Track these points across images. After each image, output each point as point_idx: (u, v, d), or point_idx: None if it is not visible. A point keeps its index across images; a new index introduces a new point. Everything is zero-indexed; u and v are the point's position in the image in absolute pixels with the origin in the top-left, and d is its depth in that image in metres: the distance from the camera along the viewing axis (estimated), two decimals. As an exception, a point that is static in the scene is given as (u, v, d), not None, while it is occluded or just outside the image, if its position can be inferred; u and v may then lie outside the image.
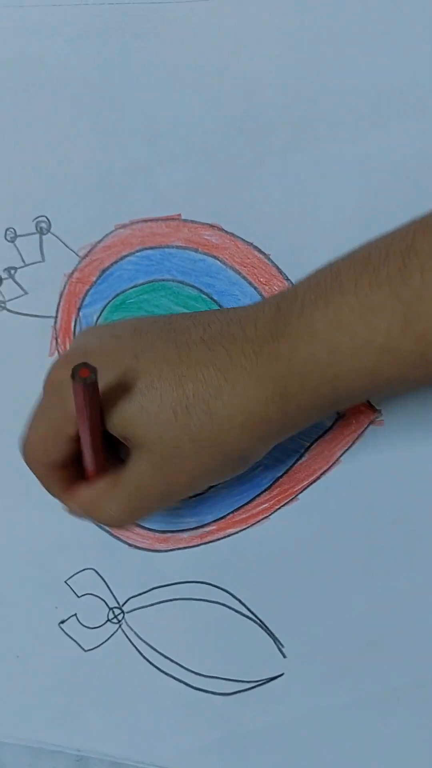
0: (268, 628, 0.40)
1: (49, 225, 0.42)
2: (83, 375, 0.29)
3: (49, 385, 0.34)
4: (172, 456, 0.33)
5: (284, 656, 0.40)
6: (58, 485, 0.36)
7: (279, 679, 0.40)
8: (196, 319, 0.34)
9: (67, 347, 0.43)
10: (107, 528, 0.42)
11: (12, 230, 0.43)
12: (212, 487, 0.41)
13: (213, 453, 0.33)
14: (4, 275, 0.43)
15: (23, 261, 0.43)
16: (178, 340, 0.33)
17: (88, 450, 0.34)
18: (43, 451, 0.35)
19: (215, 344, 0.32)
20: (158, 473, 0.33)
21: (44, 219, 0.42)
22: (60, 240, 0.42)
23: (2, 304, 0.44)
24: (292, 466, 0.40)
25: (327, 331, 0.30)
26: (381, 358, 0.29)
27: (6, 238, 0.43)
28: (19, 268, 0.43)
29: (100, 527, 0.42)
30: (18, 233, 0.43)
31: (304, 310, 0.31)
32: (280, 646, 0.40)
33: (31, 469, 0.36)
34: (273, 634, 0.40)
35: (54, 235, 0.42)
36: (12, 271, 0.43)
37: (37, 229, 0.43)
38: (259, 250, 0.40)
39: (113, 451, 0.37)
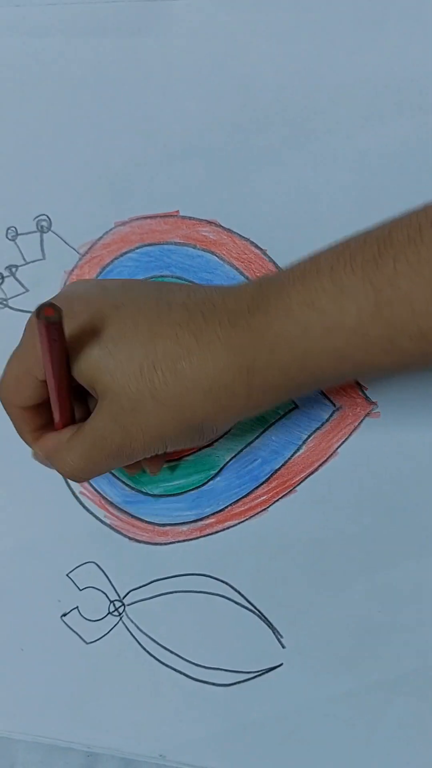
0: (267, 619, 0.41)
1: (50, 223, 0.43)
2: (47, 314, 0.29)
3: (28, 326, 0.35)
4: (132, 409, 0.33)
5: (283, 647, 0.40)
6: (27, 429, 0.37)
7: (278, 669, 0.40)
8: (184, 286, 0.35)
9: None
10: (107, 521, 0.43)
11: (13, 229, 0.43)
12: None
13: (173, 414, 0.33)
14: (6, 273, 0.44)
15: (24, 259, 0.44)
16: (161, 299, 0.34)
17: (54, 394, 0.34)
18: (15, 391, 0.36)
19: (194, 309, 0.33)
20: (117, 425, 0.33)
21: (45, 217, 0.43)
22: (60, 238, 0.43)
23: (4, 302, 0.44)
24: (289, 459, 0.40)
25: (300, 309, 0.31)
26: (350, 339, 0.30)
27: (7, 237, 0.44)
28: (21, 266, 0.44)
29: (102, 522, 0.43)
30: (19, 232, 0.43)
31: (282, 290, 0.31)
32: (279, 637, 0.40)
33: (5, 409, 0.37)
34: (272, 625, 0.40)
35: (54, 233, 0.43)
36: (13, 269, 0.44)
37: (37, 228, 0.43)
38: (256, 246, 0.40)
39: (84, 405, 0.37)
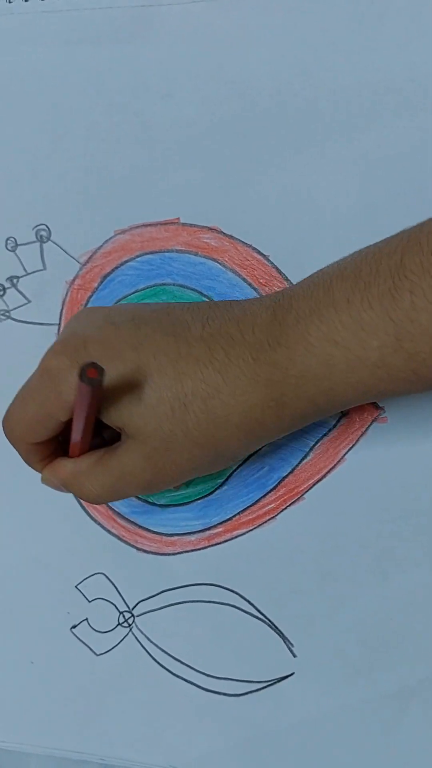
0: (277, 628, 0.40)
1: (49, 233, 0.43)
2: (91, 375, 0.29)
3: (44, 369, 0.34)
4: (164, 449, 0.33)
5: (294, 656, 0.40)
6: (38, 458, 0.37)
7: (290, 678, 0.40)
8: (195, 313, 0.35)
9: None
10: (115, 532, 0.43)
11: (12, 239, 0.43)
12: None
13: (205, 450, 0.33)
14: (7, 284, 0.44)
15: (25, 270, 0.43)
16: (177, 334, 0.33)
17: (79, 435, 0.34)
18: (29, 431, 0.35)
19: (214, 344, 0.33)
20: (148, 463, 0.34)
21: (44, 227, 0.43)
22: (60, 248, 0.43)
23: (6, 313, 0.44)
24: (297, 466, 0.40)
25: (321, 345, 0.31)
26: (374, 372, 0.30)
27: (7, 248, 0.43)
28: (21, 276, 0.43)
29: (109, 532, 0.43)
30: (18, 242, 0.43)
31: (299, 323, 0.31)
32: (290, 646, 0.40)
33: (12, 444, 0.37)
34: (283, 634, 0.40)
35: (54, 243, 0.43)
36: (14, 280, 0.44)
37: (37, 238, 0.43)
38: (259, 252, 0.40)
39: (97, 430, 0.37)
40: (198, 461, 0.34)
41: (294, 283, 0.39)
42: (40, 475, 0.43)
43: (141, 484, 0.35)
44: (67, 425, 0.35)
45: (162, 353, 0.33)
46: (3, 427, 0.36)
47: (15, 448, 0.37)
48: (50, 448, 0.37)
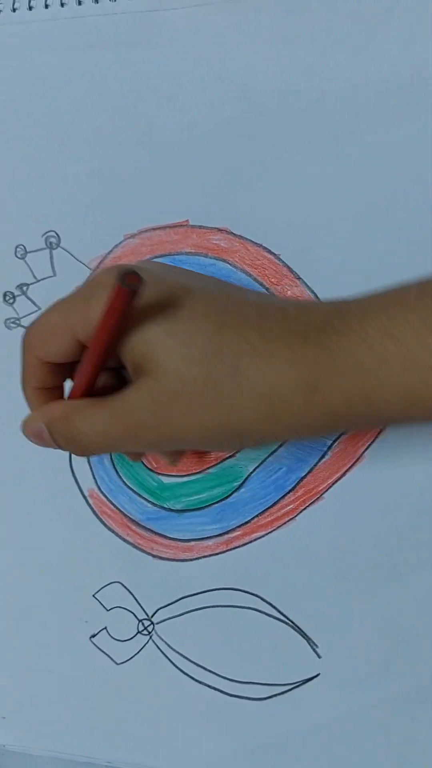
0: (301, 630, 0.40)
1: (59, 239, 0.43)
2: (130, 280, 0.28)
3: (88, 282, 0.33)
4: (176, 392, 0.31)
5: (319, 656, 0.39)
6: (35, 383, 0.35)
7: (315, 679, 0.39)
8: (253, 290, 0.34)
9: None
10: (131, 540, 0.42)
11: (22, 247, 0.43)
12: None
13: (219, 409, 0.31)
14: (17, 292, 0.44)
15: (35, 277, 0.43)
16: (232, 294, 0.32)
17: (90, 362, 0.32)
18: (44, 340, 0.33)
19: (267, 311, 0.32)
20: (153, 404, 0.31)
21: (53, 234, 0.43)
22: (70, 254, 0.42)
23: (17, 321, 0.44)
24: (315, 465, 0.39)
25: (378, 337, 0.29)
26: (426, 378, 0.29)
27: (17, 255, 0.43)
28: (32, 284, 0.43)
29: (124, 540, 0.42)
30: (28, 250, 0.43)
31: (362, 314, 0.30)
32: (314, 647, 0.39)
33: (22, 354, 0.35)
34: (306, 635, 0.40)
35: (64, 249, 0.43)
36: (24, 288, 0.43)
37: (46, 245, 0.43)
38: (269, 251, 0.40)
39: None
40: (208, 421, 0.31)
41: (304, 280, 0.39)
42: (51, 487, 0.42)
43: (141, 432, 0.32)
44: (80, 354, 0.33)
45: (212, 302, 0.31)
46: (24, 333, 0.34)
47: (22, 359, 0.35)
48: (51, 380, 0.35)
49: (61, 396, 0.36)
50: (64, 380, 0.36)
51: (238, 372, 0.30)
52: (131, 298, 0.29)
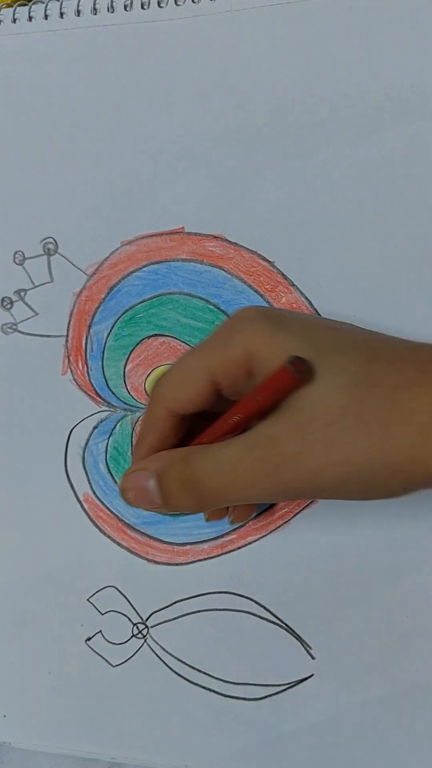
0: (294, 632, 0.40)
1: (56, 246, 0.43)
2: (298, 368, 0.27)
3: (227, 321, 0.31)
4: (326, 423, 0.28)
5: (313, 658, 0.40)
6: (153, 441, 0.33)
7: (309, 680, 0.40)
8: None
9: (79, 366, 0.43)
10: (125, 544, 0.42)
11: (20, 253, 0.44)
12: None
13: (371, 445, 0.27)
14: (15, 297, 0.44)
15: (32, 282, 0.44)
16: (375, 335, 0.31)
17: (236, 420, 0.30)
18: (177, 386, 0.31)
19: (419, 349, 0.30)
20: (301, 435, 0.28)
21: (51, 240, 0.43)
22: (67, 260, 0.43)
23: (14, 326, 0.44)
24: (308, 469, 0.40)
25: None
26: None
27: (15, 261, 0.44)
28: (29, 289, 0.44)
29: (119, 545, 0.43)
30: (26, 256, 0.44)
31: None
32: (308, 648, 0.40)
33: (150, 405, 0.33)
34: (300, 638, 0.40)
35: (61, 255, 0.43)
36: (22, 293, 0.44)
37: (44, 251, 0.43)
38: (264, 258, 0.40)
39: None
40: (357, 456, 0.27)
41: (299, 287, 0.40)
42: (46, 492, 0.42)
43: (280, 468, 0.28)
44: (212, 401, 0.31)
45: (359, 338, 0.30)
46: (156, 385, 0.33)
47: (149, 411, 0.33)
48: (170, 439, 0.33)
49: None
50: (183, 438, 0.33)
51: (394, 401, 0.27)
52: (296, 386, 0.28)
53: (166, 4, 0.41)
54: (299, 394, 0.28)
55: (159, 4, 0.41)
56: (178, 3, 0.41)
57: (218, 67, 0.40)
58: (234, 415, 0.30)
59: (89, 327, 0.43)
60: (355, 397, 0.27)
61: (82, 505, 0.43)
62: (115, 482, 0.43)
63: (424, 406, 0.27)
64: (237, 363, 0.30)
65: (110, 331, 0.43)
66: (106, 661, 0.43)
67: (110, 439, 0.43)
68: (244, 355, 0.29)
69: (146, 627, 0.42)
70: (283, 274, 0.40)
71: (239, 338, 0.30)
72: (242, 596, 0.41)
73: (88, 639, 0.43)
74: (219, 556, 0.41)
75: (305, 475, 0.28)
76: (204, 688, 0.41)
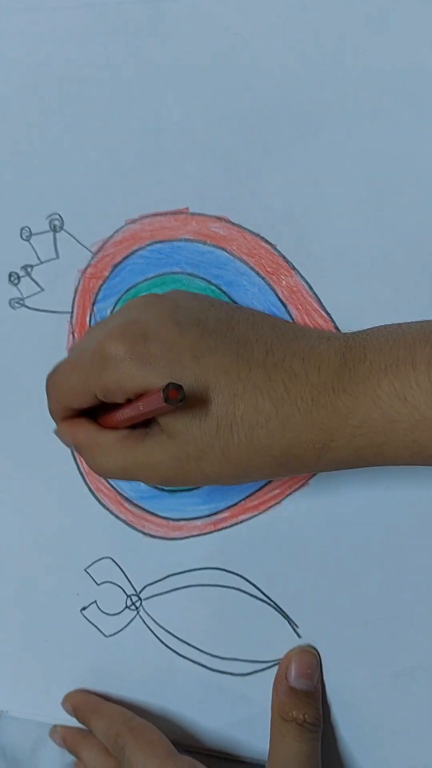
0: (282, 610, 0.41)
1: (62, 222, 0.44)
2: (173, 397, 0.30)
3: (98, 349, 0.34)
4: (196, 457, 0.33)
5: (299, 636, 0.41)
6: (63, 415, 0.38)
7: (293, 658, 0.41)
8: (260, 335, 0.35)
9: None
10: (123, 517, 0.43)
11: (27, 229, 0.44)
12: None
13: (236, 469, 0.33)
14: (22, 273, 0.45)
15: (39, 258, 0.44)
16: (239, 354, 0.34)
17: (124, 422, 0.35)
18: (66, 396, 0.37)
19: (275, 375, 0.33)
20: (175, 465, 0.34)
21: (57, 217, 0.44)
22: (73, 237, 0.43)
23: (21, 301, 0.45)
24: (302, 452, 0.40)
25: (390, 401, 0.30)
26: None
27: (22, 237, 0.44)
28: (36, 265, 0.44)
29: (117, 517, 0.43)
30: (33, 231, 0.44)
31: (371, 375, 0.31)
32: (295, 627, 0.41)
33: (48, 398, 0.38)
34: (287, 616, 0.41)
35: (67, 232, 0.44)
36: (29, 269, 0.45)
37: (50, 227, 0.44)
38: (266, 241, 0.40)
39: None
40: (224, 476, 0.34)
41: (299, 270, 0.40)
42: (49, 462, 0.44)
43: (158, 479, 0.35)
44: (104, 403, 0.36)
45: (221, 371, 0.33)
46: (46, 382, 0.38)
47: (48, 400, 0.38)
48: (77, 411, 0.37)
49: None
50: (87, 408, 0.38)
51: (252, 440, 0.32)
52: (167, 411, 0.32)
53: (177, -18, 0.41)
54: (176, 431, 0.33)
55: (169, -19, 0.41)
56: (188, -19, 0.40)
57: (226, 48, 0.40)
58: (121, 416, 0.35)
59: (93, 304, 0.43)
60: (220, 439, 0.33)
61: (83, 478, 0.44)
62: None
63: (277, 442, 0.32)
64: (111, 391, 0.34)
65: (113, 308, 0.43)
66: (100, 631, 0.44)
67: (111, 414, 0.43)
68: (117, 387, 0.34)
69: (139, 599, 0.43)
70: (284, 257, 0.40)
71: (110, 376, 0.34)
72: (233, 573, 0.42)
73: (84, 608, 0.44)
74: (212, 533, 0.42)
75: (180, 485, 0.35)
76: (193, 661, 0.42)
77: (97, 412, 0.37)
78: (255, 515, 0.41)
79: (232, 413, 0.32)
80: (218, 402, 0.33)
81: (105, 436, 0.36)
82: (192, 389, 0.32)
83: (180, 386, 0.30)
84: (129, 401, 0.35)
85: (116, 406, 0.36)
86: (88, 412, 0.37)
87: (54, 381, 0.38)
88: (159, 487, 0.43)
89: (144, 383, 0.33)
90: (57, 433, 0.39)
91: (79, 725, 0.44)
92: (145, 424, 0.35)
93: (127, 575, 0.43)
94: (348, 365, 0.32)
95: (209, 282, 0.41)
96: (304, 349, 0.34)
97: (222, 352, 0.33)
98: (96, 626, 0.44)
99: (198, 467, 0.33)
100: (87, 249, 0.43)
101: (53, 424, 0.39)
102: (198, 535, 0.42)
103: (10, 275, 0.45)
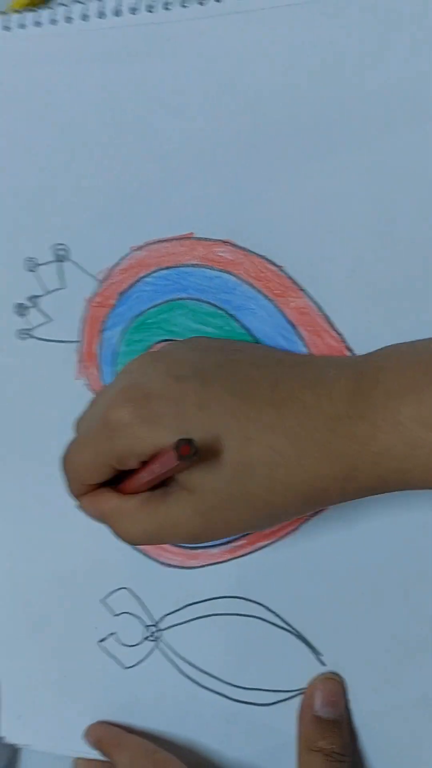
0: (304, 638, 0.40)
1: (68, 252, 0.43)
2: (185, 452, 0.29)
3: (104, 420, 0.34)
4: (220, 508, 0.33)
5: (323, 664, 0.40)
6: (83, 491, 0.37)
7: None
8: (263, 370, 0.34)
9: (93, 371, 0.43)
10: (138, 546, 0.43)
11: (32, 260, 0.44)
12: None
13: (262, 512, 0.33)
14: (28, 304, 0.44)
15: (45, 289, 0.44)
16: (246, 395, 0.33)
17: (143, 486, 0.34)
18: (85, 473, 0.36)
19: (286, 410, 0.32)
20: (199, 519, 0.33)
21: (62, 246, 0.43)
22: (79, 266, 0.43)
23: (29, 332, 0.45)
24: (318, 476, 0.40)
25: (411, 426, 0.29)
26: None
27: (27, 269, 0.44)
28: (42, 296, 0.44)
29: (133, 547, 0.43)
30: (38, 262, 0.44)
31: (389, 399, 0.30)
32: (319, 655, 0.40)
33: (66, 478, 0.37)
34: (310, 644, 0.40)
35: (73, 261, 0.43)
36: (35, 300, 0.44)
37: (55, 257, 0.44)
38: (273, 263, 0.40)
39: None
40: (251, 522, 0.33)
41: (308, 292, 0.39)
42: (62, 494, 0.43)
43: (185, 537, 0.34)
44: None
45: (229, 415, 0.32)
46: (62, 465, 0.37)
47: (66, 480, 0.37)
48: (95, 485, 0.37)
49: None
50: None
51: (273, 481, 0.32)
52: (184, 468, 0.31)
53: (173, 6, 0.40)
54: (194, 484, 0.32)
55: (166, 6, 0.40)
56: (185, 5, 0.40)
57: (226, 70, 0.40)
58: (139, 480, 0.34)
59: (101, 332, 0.43)
60: (239, 485, 0.32)
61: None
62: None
63: (299, 480, 0.32)
64: (125, 457, 0.34)
65: (121, 336, 0.43)
66: (119, 662, 0.43)
67: (122, 443, 0.43)
68: (130, 453, 0.33)
69: (158, 630, 0.43)
70: (292, 279, 0.40)
71: (121, 443, 0.33)
72: (252, 601, 0.41)
73: (102, 640, 0.44)
74: (229, 560, 0.41)
75: (208, 539, 0.34)
76: (215, 692, 0.42)
77: (118, 479, 0.36)
78: (273, 542, 0.41)
79: (248, 456, 0.32)
80: (231, 448, 0.32)
81: (127, 502, 0.35)
82: (203, 440, 0.31)
83: (190, 440, 0.29)
84: (144, 464, 0.34)
85: (135, 471, 0.35)
86: (110, 480, 0.36)
87: (68, 461, 0.37)
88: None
89: (155, 443, 0.32)
90: (80, 508, 0.38)
91: (101, 758, 0.44)
92: (165, 482, 0.34)
93: (145, 606, 0.43)
94: (362, 390, 0.31)
95: (217, 307, 0.41)
96: (312, 378, 0.33)
97: (226, 396, 0.33)
98: (115, 658, 0.44)
99: (223, 518, 0.33)
100: (93, 277, 0.43)
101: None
102: (215, 563, 0.42)
103: (17, 306, 0.45)
